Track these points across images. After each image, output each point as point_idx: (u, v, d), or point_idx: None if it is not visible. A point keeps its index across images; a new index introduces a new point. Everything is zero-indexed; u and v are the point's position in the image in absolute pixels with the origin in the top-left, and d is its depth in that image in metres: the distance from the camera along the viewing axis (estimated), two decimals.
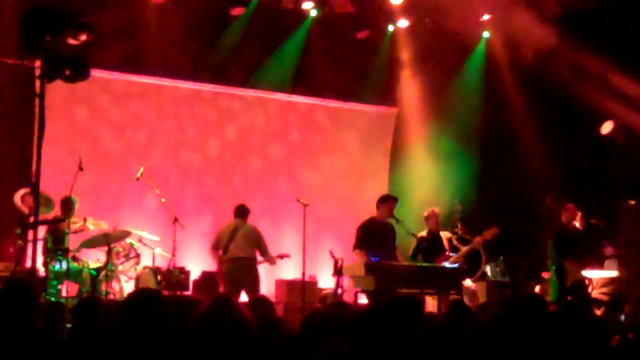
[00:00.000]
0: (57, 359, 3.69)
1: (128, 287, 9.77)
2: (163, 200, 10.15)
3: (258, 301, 5.13)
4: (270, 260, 10.13)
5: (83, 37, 6.80)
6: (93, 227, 9.60)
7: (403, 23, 12.80)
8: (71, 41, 6.70)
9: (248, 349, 2.99)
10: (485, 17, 12.58)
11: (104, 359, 3.33)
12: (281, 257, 10.40)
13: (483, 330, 3.49)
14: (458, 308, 5.08)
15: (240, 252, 9.83)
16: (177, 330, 3.24)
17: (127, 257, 9.81)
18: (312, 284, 11.54)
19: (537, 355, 3.45)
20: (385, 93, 13.63)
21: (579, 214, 10.54)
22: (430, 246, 9.84)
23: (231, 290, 9.58)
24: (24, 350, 3.62)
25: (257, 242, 9.96)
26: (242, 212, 10.13)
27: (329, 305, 5.05)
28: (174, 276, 10.12)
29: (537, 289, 11.78)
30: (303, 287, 10.24)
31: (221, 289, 9.79)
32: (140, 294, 3.60)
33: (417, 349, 3.11)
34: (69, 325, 5.30)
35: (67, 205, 9.32)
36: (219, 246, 9.99)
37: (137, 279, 9.93)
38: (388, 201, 9.64)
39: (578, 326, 3.80)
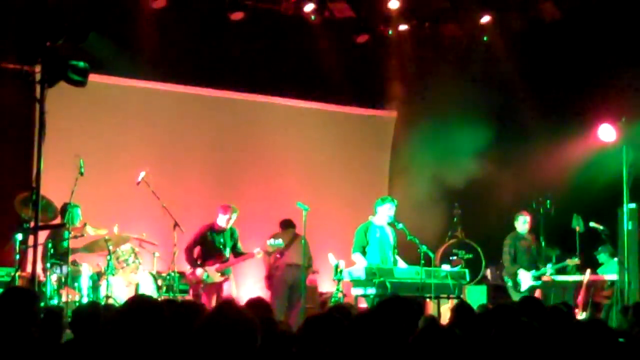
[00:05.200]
0: None
1: (128, 292, 9.76)
2: (164, 205, 10.13)
3: (256, 302, 5.14)
4: (312, 271, 10.92)
5: (81, 43, 6.84)
6: (93, 232, 9.63)
7: (403, 27, 12.78)
8: (70, 46, 6.74)
9: (253, 352, 2.99)
10: (485, 19, 12.57)
11: None
12: (313, 272, 11.26)
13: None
14: (462, 309, 5.11)
15: (298, 259, 10.41)
16: (178, 336, 3.23)
17: (127, 262, 9.80)
18: (313, 287, 11.54)
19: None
20: (385, 97, 13.63)
21: (529, 220, 11.11)
22: None
23: (282, 293, 10.47)
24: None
25: (308, 253, 10.54)
26: (291, 223, 10.91)
27: (330, 308, 5.05)
28: (174, 281, 10.11)
29: (537, 292, 11.77)
30: (304, 291, 10.25)
31: (273, 292, 10.65)
32: (136, 302, 3.57)
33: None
34: (68, 331, 5.30)
35: (67, 211, 9.31)
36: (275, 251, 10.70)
37: (137, 284, 9.93)
38: (385, 204, 9.68)
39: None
